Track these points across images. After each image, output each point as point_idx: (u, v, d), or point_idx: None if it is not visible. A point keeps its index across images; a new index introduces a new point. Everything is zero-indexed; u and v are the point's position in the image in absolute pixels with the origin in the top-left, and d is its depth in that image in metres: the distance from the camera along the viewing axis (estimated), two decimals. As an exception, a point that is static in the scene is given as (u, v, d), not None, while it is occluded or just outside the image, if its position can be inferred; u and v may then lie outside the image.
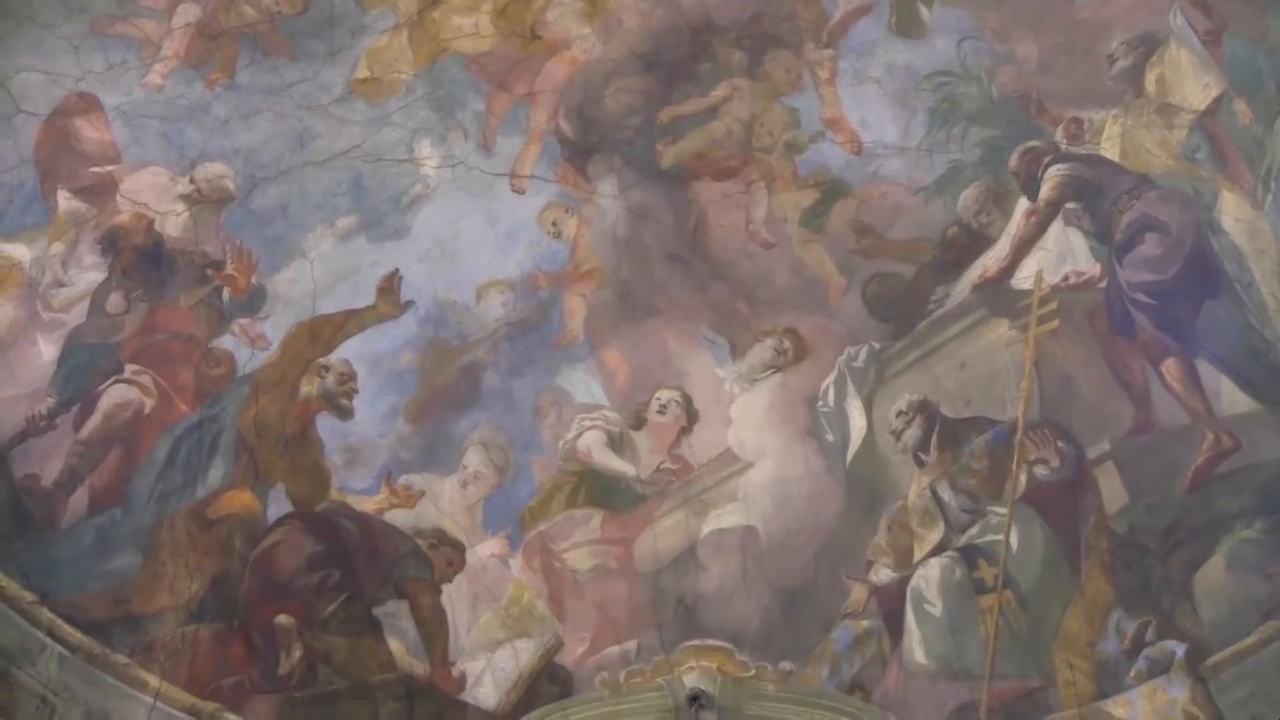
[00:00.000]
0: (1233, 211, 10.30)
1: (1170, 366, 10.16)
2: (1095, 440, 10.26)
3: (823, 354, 11.28)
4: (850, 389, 11.06)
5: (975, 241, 11.18)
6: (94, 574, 9.94)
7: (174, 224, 11.00)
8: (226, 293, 11.00)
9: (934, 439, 10.58)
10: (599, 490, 11.21)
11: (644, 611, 10.67)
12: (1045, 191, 10.82)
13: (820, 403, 11.14)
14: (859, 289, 11.42)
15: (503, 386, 11.57)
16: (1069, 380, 10.49)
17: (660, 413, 11.37)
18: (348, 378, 10.92)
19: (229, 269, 11.01)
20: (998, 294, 10.85)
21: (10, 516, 9.90)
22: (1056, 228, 10.78)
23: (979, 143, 11.32)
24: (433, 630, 10.41)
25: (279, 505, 10.59)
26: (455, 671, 10.39)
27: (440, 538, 10.76)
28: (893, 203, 11.49)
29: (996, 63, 11.33)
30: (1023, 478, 10.15)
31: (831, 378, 11.15)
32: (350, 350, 11.05)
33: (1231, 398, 9.98)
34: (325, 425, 10.93)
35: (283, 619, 10.02)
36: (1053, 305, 10.46)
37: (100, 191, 10.89)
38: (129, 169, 11.01)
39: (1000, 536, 10.02)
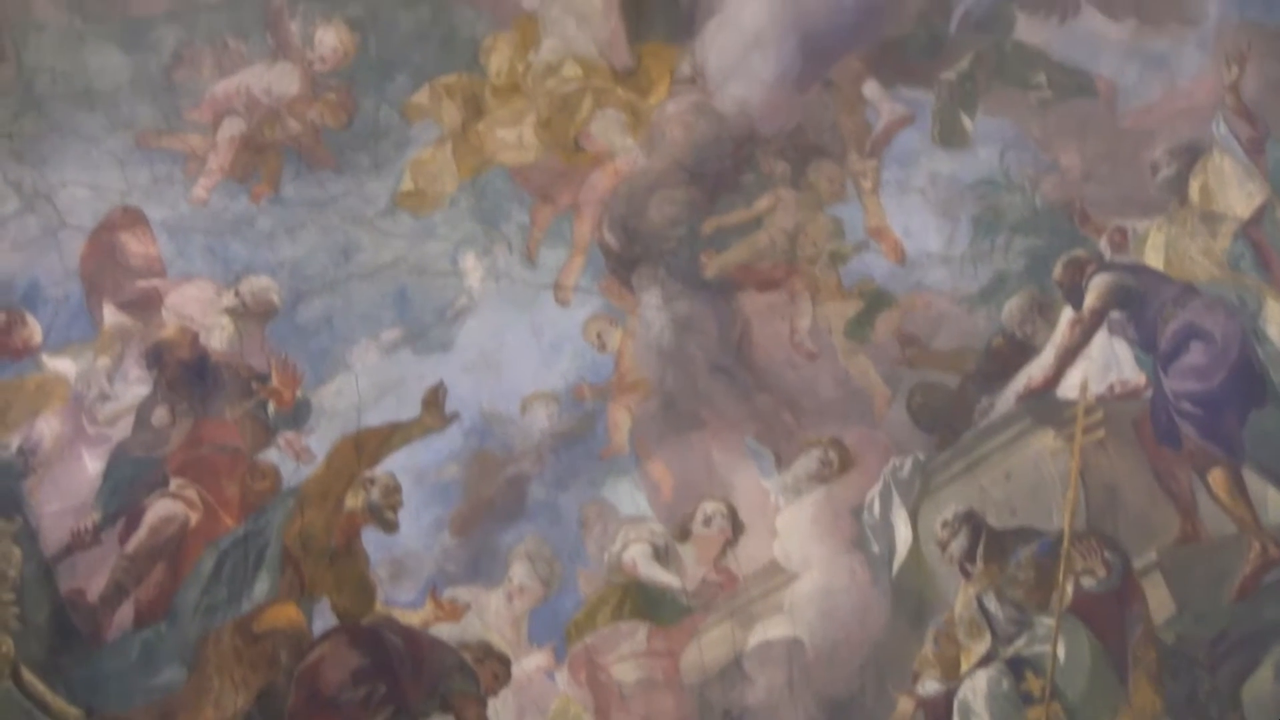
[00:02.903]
0: (1277, 319, 10.26)
1: (1217, 476, 10.08)
2: (1142, 550, 10.16)
3: (868, 465, 11.22)
4: (896, 500, 10.98)
5: (1020, 351, 11.16)
6: (139, 689, 9.91)
7: (219, 337, 11.02)
8: (271, 406, 10.96)
9: (980, 550, 10.42)
10: (644, 602, 11.18)
11: (691, 725, 10.69)
12: (1090, 301, 10.74)
13: (866, 514, 11.06)
14: (904, 399, 11.41)
15: (548, 498, 11.58)
16: (1115, 490, 10.41)
17: (705, 525, 11.34)
18: (393, 490, 10.77)
19: (274, 382, 10.97)
20: (1043, 404, 10.80)
21: (56, 631, 9.88)
22: (1101, 337, 10.71)
23: (1023, 252, 11.33)
24: (479, 745, 10.38)
25: (324, 619, 10.50)
26: (503, 787, 10.39)
27: (486, 651, 10.64)
28: (937, 312, 11.50)
29: (1040, 172, 11.32)
30: (1069, 588, 10.02)
31: (877, 489, 11.08)
32: (395, 463, 10.93)
33: (1279, 507, 9.93)
34: (370, 538, 10.83)
35: (329, 733, 10.00)
36: (1098, 415, 10.36)
37: (145, 305, 10.95)
38: (174, 283, 11.07)
39: (1047, 647, 9.91)
